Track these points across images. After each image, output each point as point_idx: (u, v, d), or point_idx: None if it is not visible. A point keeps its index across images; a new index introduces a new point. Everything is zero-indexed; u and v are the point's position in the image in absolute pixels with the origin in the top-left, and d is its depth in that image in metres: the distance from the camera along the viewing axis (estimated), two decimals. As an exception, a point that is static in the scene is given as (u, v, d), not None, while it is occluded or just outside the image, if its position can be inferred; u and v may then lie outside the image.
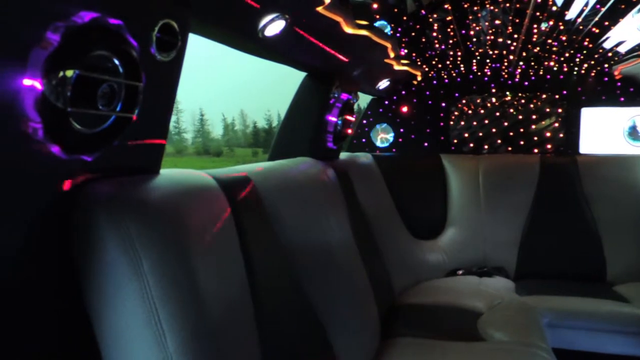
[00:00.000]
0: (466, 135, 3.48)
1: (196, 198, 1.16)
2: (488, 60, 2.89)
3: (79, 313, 0.95)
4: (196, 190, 1.19)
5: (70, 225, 0.93)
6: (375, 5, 1.72)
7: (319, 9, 1.45)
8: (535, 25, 2.20)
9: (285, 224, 1.61)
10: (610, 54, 2.63)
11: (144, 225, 0.95)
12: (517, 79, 3.27)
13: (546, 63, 2.95)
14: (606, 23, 2.12)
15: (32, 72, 0.78)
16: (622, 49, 2.56)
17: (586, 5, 1.96)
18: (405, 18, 1.99)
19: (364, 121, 3.46)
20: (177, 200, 1.08)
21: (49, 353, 0.92)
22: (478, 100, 3.47)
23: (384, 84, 2.97)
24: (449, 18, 2.09)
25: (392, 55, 2.40)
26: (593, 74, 3.13)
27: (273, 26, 1.42)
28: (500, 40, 2.50)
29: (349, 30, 1.74)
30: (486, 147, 3.46)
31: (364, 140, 3.45)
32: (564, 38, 2.40)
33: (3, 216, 0.81)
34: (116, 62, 0.92)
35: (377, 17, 1.91)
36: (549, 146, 3.36)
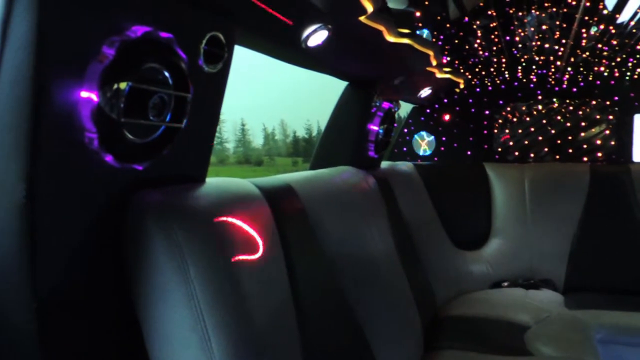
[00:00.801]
0: (511, 143, 3.39)
1: (241, 206, 1.18)
2: (534, 67, 2.82)
3: (129, 316, 0.98)
4: (240, 199, 1.21)
5: (122, 232, 0.97)
6: (417, 14, 1.71)
7: (362, 18, 1.46)
8: (584, 30, 2.13)
9: (327, 232, 1.62)
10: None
11: (190, 233, 0.97)
12: (565, 85, 3.17)
13: (596, 68, 2.84)
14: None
15: (89, 84, 0.82)
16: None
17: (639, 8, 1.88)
18: (448, 25, 1.97)
19: (405, 130, 3.44)
20: (222, 208, 1.10)
21: (100, 353, 0.95)
22: (523, 108, 3.39)
23: (425, 92, 2.94)
24: (493, 24, 2.05)
25: (434, 63, 2.38)
26: None
27: (316, 36, 1.43)
28: (547, 45, 2.43)
29: (391, 38, 1.73)
30: (532, 155, 3.37)
31: (405, 149, 3.42)
32: (615, 42, 2.31)
33: (60, 222, 0.85)
34: (166, 74, 0.95)
35: (420, 25, 1.90)
36: (599, 154, 3.23)
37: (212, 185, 1.18)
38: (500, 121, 3.40)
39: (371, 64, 2.02)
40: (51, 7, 0.74)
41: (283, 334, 1.21)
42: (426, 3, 1.64)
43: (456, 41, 2.24)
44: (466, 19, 1.98)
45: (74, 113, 0.81)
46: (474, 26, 2.09)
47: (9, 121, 0.77)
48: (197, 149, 1.17)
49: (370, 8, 1.40)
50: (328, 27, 1.41)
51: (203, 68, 1.09)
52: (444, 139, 3.38)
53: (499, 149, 3.38)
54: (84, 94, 0.82)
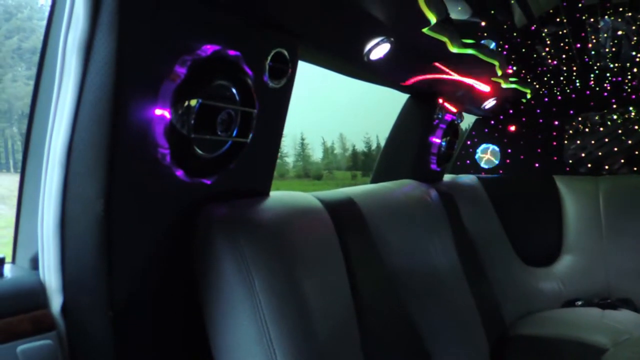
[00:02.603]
0: (582, 155, 3.22)
1: (304, 219, 1.19)
2: (608, 74, 2.67)
3: (198, 327, 1.00)
4: (304, 212, 1.22)
5: (191, 244, 1.00)
6: (482, 23, 1.67)
7: (425, 30, 1.44)
8: (664, 34, 2.01)
9: (389, 246, 1.60)
10: None
11: (256, 246, 0.99)
12: None
13: None
14: None
15: (162, 102, 0.86)
16: None
17: None
18: (514, 34, 1.91)
19: (468, 142, 3.35)
20: (286, 221, 1.11)
21: None
22: (596, 118, 3.21)
23: (490, 103, 2.86)
24: (562, 31, 1.97)
25: (499, 73, 2.31)
26: None
27: (378, 50, 1.43)
28: (623, 51, 2.30)
29: (454, 49, 1.70)
30: (606, 167, 3.18)
31: (468, 161, 3.33)
32: (699, 46, 2.15)
33: (135, 235, 0.89)
34: (234, 90, 0.98)
35: (484, 34, 1.85)
36: None
37: (276, 198, 1.20)
38: (570, 132, 3.24)
39: (433, 76, 1.99)
40: (130, 30, 0.78)
41: (346, 347, 1.20)
42: (492, 12, 1.60)
43: (523, 50, 2.16)
44: (533, 26, 1.91)
45: (149, 130, 0.85)
46: (542, 34, 2.01)
47: (89, 139, 0.82)
48: (262, 163, 1.20)
49: (433, 19, 1.38)
50: (390, 39, 1.41)
51: (268, 84, 1.11)
52: (509, 150, 3.26)
53: (570, 161, 3.22)
54: (158, 112, 0.86)
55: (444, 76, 2.01)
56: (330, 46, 1.37)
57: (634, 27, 1.99)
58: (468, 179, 2.98)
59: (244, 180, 1.15)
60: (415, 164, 2.25)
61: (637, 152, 3.11)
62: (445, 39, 1.59)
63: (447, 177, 2.71)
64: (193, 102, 0.88)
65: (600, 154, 3.20)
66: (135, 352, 0.92)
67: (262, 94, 1.09)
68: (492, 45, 2.00)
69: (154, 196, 0.91)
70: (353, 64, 1.55)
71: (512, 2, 1.56)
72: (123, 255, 0.88)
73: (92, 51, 0.79)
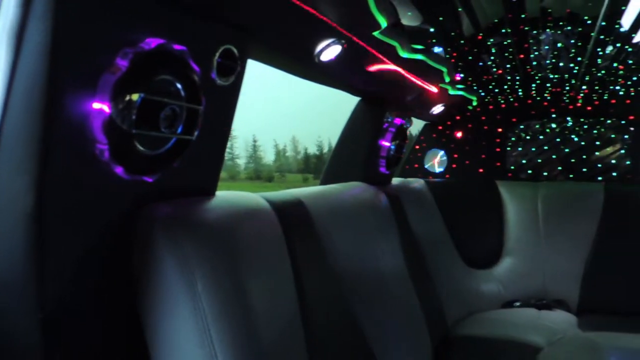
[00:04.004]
0: (524, 161, 3.36)
1: (250, 220, 1.17)
2: (548, 85, 2.80)
3: (136, 330, 0.96)
4: (250, 212, 1.20)
5: (131, 245, 0.96)
6: (431, 30, 1.71)
7: (375, 33, 1.46)
8: (600, 49, 2.12)
9: (337, 248, 1.60)
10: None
11: (199, 246, 0.96)
12: (579, 104, 3.14)
13: (611, 87, 2.82)
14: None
15: (101, 96, 0.82)
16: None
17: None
18: (462, 42, 1.97)
19: (417, 146, 3.42)
20: (232, 221, 1.09)
21: None
22: (537, 126, 3.35)
23: (438, 108, 2.93)
24: (507, 42, 2.04)
25: (447, 79, 2.37)
26: None
27: (329, 51, 1.43)
28: (562, 64, 2.42)
29: (404, 54, 1.73)
30: (545, 174, 3.33)
31: (416, 165, 3.40)
32: (631, 61, 2.29)
33: (68, 233, 0.84)
34: (179, 86, 0.95)
35: (433, 41, 1.89)
36: (614, 174, 3.19)
37: (222, 198, 1.17)
38: (513, 139, 3.37)
39: (384, 80, 2.02)
40: (65, 17, 0.74)
41: (291, 349, 1.19)
42: (440, 19, 1.64)
43: (470, 58, 2.23)
44: (480, 36, 1.97)
45: (86, 124, 0.81)
46: (488, 43, 2.08)
47: (20, 130, 0.77)
48: (208, 162, 1.17)
49: (384, 23, 1.40)
50: (341, 42, 1.41)
51: (215, 81, 1.08)
52: (455, 156, 3.35)
53: (512, 167, 3.35)
54: (96, 105, 0.81)
55: (394, 80, 2.04)
56: (280, 45, 1.36)
57: (572, 41, 2.10)
58: (416, 182, 3.04)
59: (189, 179, 1.12)
60: (364, 167, 2.27)
61: (573, 160, 3.27)
62: (395, 44, 1.61)
63: (395, 181, 2.75)
64: (135, 97, 0.85)
65: (539, 160, 3.35)
66: (69, 358, 0.87)
67: (209, 91, 1.06)
68: (441, 52, 2.05)
69: (90, 193, 0.87)
70: (304, 65, 1.54)
71: (460, 10, 1.60)
72: (55, 255, 0.83)
73: (23, 39, 0.74)
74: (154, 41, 0.88)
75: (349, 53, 1.51)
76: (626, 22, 1.84)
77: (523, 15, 1.70)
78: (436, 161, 3.38)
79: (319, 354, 1.29)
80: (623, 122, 3.15)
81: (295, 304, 1.26)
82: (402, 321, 1.89)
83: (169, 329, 0.94)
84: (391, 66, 1.83)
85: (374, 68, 1.81)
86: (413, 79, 2.15)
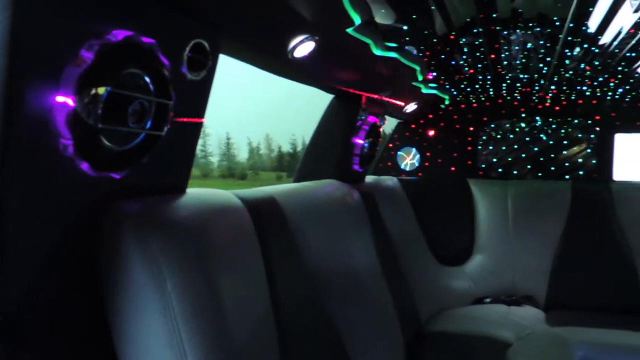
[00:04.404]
0: (494, 160, 3.42)
1: (221, 217, 1.16)
2: (518, 84, 2.85)
3: (102, 330, 0.94)
4: (222, 210, 1.18)
5: (97, 243, 0.93)
6: (404, 28, 1.71)
7: (349, 30, 1.45)
8: (568, 50, 2.16)
9: (310, 245, 1.59)
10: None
11: (168, 244, 0.94)
12: (548, 104, 3.21)
13: (579, 88, 2.88)
14: (641, 48, 2.07)
15: (65, 89, 0.79)
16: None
17: (621, 29, 1.91)
18: (435, 41, 1.98)
19: (390, 144, 3.44)
20: (202, 219, 1.07)
21: None
22: (507, 125, 3.41)
23: (411, 107, 2.95)
24: (479, 41, 2.07)
25: (420, 78, 2.38)
26: (628, 100, 3.05)
27: (302, 47, 1.42)
28: (532, 64, 2.46)
29: (378, 52, 1.73)
30: (515, 172, 3.39)
31: (389, 163, 3.42)
32: (597, 62, 2.34)
33: (29, 229, 0.81)
34: (147, 80, 0.92)
35: (407, 40, 1.90)
36: (580, 173, 3.27)
37: (193, 195, 1.15)
38: (484, 138, 3.42)
39: (358, 77, 2.02)
40: (26, 6, 0.71)
41: (262, 347, 1.18)
42: (413, 17, 1.64)
43: (442, 57, 2.25)
44: (453, 35, 1.99)
45: (48, 118, 0.78)
46: (461, 43, 2.10)
47: None
48: (179, 158, 1.14)
49: (357, 20, 1.39)
50: (315, 38, 1.40)
51: (186, 75, 1.06)
52: (428, 154, 3.38)
53: (483, 165, 3.40)
54: (60, 99, 0.78)
55: (368, 78, 2.04)
56: (253, 41, 1.34)
57: (541, 42, 2.13)
58: (389, 180, 3.05)
59: (159, 176, 1.09)
60: (338, 165, 2.26)
61: (542, 159, 3.34)
62: (369, 41, 1.61)
63: (369, 178, 2.75)
64: (101, 90, 0.82)
65: (510, 159, 3.41)
66: (26, 348, 0.84)
67: (180, 86, 1.04)
68: (412, 50, 2.05)
69: (54, 190, 0.84)
70: (277, 61, 1.53)
71: (433, 8, 1.60)
72: (17, 255, 0.80)
73: None
74: (121, 33, 0.86)
75: (323, 50, 1.50)
76: (593, 24, 1.88)
77: (495, 15, 1.72)
78: (409, 159, 3.41)
79: (291, 353, 1.28)
80: (589, 122, 3.24)
81: (268, 302, 1.25)
82: (376, 319, 1.89)
83: (137, 328, 0.91)
84: (365, 63, 1.83)
85: (347, 65, 1.80)
86: (387, 77, 2.15)
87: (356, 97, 2.24)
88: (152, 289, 0.91)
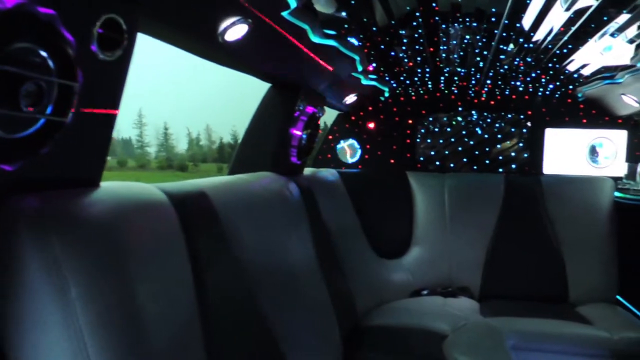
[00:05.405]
0: (432, 153, 3.45)
1: (140, 214, 1.05)
2: (456, 78, 2.88)
3: None
4: (141, 206, 1.07)
5: None
6: (344, 15, 1.65)
7: (284, 14, 1.37)
8: (503, 45, 2.19)
9: (243, 241, 1.51)
10: (575, 76, 2.65)
11: (74, 246, 0.83)
12: (483, 99, 3.27)
13: (513, 83, 2.95)
14: (570, 46, 2.12)
15: None
16: (585, 72, 2.58)
17: (552, 27, 1.95)
18: (375, 31, 1.94)
19: (330, 136, 3.39)
20: (117, 216, 0.96)
21: None
22: (444, 119, 3.46)
23: (351, 98, 2.91)
24: (418, 33, 2.05)
25: (360, 68, 2.34)
26: (557, 96, 3.16)
27: (234, 30, 1.32)
28: (469, 59, 2.48)
29: (316, 39, 1.66)
30: (452, 165, 3.44)
31: (329, 155, 3.37)
32: (530, 59, 2.40)
33: None
34: (46, 57, 0.80)
35: (346, 28, 1.85)
36: (513, 166, 3.37)
37: (108, 190, 1.03)
38: (423, 131, 3.45)
39: (295, 65, 1.94)
40: None
41: (186, 354, 1.09)
42: (352, 3, 1.58)
43: (382, 48, 2.21)
44: (393, 27, 1.95)
45: None
46: (400, 35, 2.07)
47: None
48: (90, 148, 1.02)
49: (294, 3, 1.31)
50: (248, 20, 1.31)
51: (97, 55, 0.94)
52: (368, 146, 3.37)
53: (421, 158, 3.43)
54: None
55: (306, 66, 1.97)
56: (178, 21, 1.23)
57: (478, 37, 2.14)
58: (328, 173, 3.01)
59: (65, 168, 0.96)
60: (274, 156, 2.18)
61: (477, 152, 3.41)
62: (306, 26, 1.53)
63: (307, 171, 2.69)
64: None
65: (447, 152, 3.46)
66: None
67: (89, 66, 0.92)
68: (352, 40, 2.00)
69: None
70: (207, 44, 1.42)
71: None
72: None
73: None
74: (11, 0, 0.73)
75: (257, 34, 1.41)
76: (527, 21, 1.90)
77: (434, 5, 1.69)
78: (349, 152, 3.38)
79: (219, 352, 1.19)
80: (522, 116, 3.33)
81: (193, 305, 1.16)
82: (312, 316, 1.84)
83: (36, 343, 0.80)
84: (302, 51, 1.75)
85: (284, 52, 1.72)
86: (325, 66, 2.09)
87: (294, 87, 2.16)
88: (53, 297, 0.79)
